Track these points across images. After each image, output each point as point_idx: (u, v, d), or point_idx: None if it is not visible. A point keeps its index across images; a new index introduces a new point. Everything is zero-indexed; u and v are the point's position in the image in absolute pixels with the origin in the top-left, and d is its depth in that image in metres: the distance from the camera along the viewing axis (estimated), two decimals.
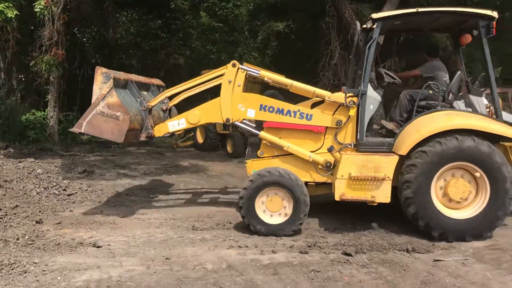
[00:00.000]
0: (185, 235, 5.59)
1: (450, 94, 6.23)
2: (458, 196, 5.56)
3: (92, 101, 5.80)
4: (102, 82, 5.79)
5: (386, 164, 5.67)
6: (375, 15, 6.03)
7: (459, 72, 6.50)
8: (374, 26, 5.99)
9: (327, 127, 6.15)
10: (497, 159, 5.43)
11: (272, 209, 5.64)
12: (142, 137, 6.32)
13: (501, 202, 5.45)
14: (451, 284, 4.11)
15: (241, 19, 22.73)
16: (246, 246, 5.13)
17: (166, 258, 4.71)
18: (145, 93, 6.90)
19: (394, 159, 5.69)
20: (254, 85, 15.75)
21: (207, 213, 6.74)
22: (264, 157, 6.41)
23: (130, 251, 4.95)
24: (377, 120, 6.88)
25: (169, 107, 6.56)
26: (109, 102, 5.72)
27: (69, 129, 6.66)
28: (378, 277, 4.25)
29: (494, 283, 4.13)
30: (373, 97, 6.15)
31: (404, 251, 4.98)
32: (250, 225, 5.61)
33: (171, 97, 6.64)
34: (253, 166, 6.34)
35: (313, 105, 6.31)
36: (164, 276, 4.26)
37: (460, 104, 6.37)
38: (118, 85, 6.03)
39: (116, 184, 8.83)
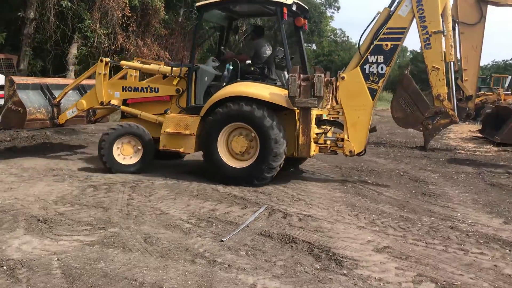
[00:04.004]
0: None
1: (266, 69, 7.46)
2: (238, 149, 6.82)
3: (3, 101, 7.92)
4: (9, 86, 7.81)
5: (192, 123, 7.08)
6: (198, 4, 7.37)
7: (276, 49, 7.70)
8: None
9: (171, 95, 7.52)
10: (265, 123, 6.53)
11: (126, 154, 7.29)
12: (49, 125, 8.36)
13: (266, 157, 6.61)
14: None
15: None
16: None
17: None
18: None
19: (197, 119, 7.06)
20: None
21: None
22: (129, 117, 7.87)
23: None
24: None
25: (57, 102, 8.29)
26: (14, 100, 7.76)
27: None
28: None
29: None
30: (209, 71, 7.51)
31: None
32: (106, 163, 7.12)
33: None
34: None
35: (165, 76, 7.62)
36: None
37: (283, 76, 7.59)
38: (25, 87, 8.04)
39: None
